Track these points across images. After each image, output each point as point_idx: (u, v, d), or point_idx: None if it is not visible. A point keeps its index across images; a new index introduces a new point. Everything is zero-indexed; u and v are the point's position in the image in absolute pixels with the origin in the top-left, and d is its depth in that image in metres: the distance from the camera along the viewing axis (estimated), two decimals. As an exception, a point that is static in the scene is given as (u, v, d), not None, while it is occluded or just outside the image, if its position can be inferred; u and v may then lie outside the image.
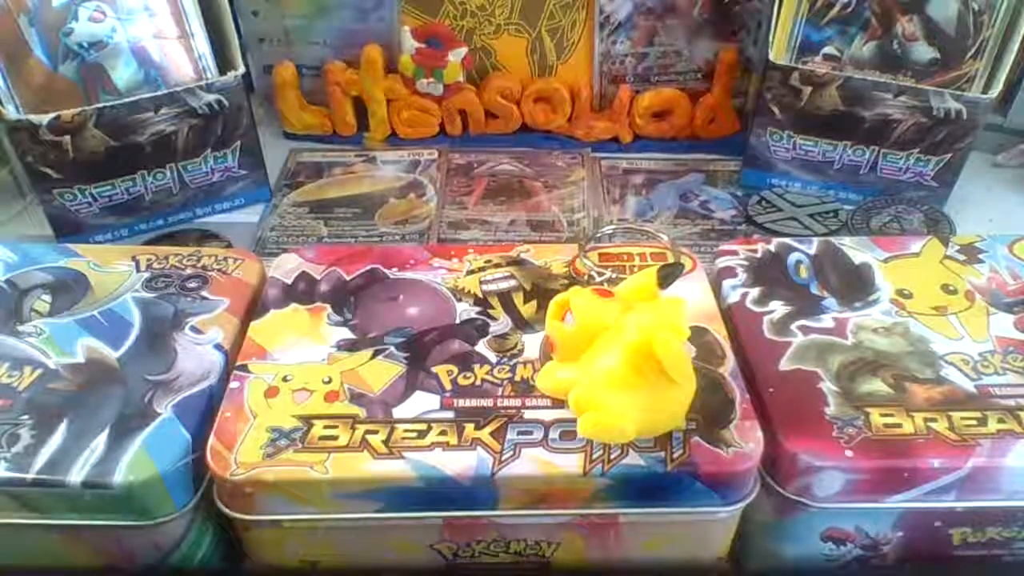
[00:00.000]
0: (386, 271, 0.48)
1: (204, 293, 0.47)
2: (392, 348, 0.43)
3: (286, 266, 0.48)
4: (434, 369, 0.42)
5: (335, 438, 0.38)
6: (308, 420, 0.39)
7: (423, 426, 0.38)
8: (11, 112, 0.60)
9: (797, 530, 0.41)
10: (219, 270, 0.49)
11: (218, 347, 0.43)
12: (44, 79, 0.62)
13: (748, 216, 0.68)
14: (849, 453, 0.38)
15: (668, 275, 0.39)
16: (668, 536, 0.41)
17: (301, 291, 0.47)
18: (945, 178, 0.67)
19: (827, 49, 0.67)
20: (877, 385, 0.41)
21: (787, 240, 0.53)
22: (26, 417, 0.39)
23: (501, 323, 0.44)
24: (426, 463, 0.37)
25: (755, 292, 0.48)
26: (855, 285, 0.49)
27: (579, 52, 0.78)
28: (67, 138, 0.60)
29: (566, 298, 0.39)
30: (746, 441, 0.38)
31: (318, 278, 0.48)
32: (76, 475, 0.36)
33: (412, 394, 0.40)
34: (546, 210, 0.70)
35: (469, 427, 0.38)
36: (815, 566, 0.43)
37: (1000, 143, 0.75)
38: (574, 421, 0.38)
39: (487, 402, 0.40)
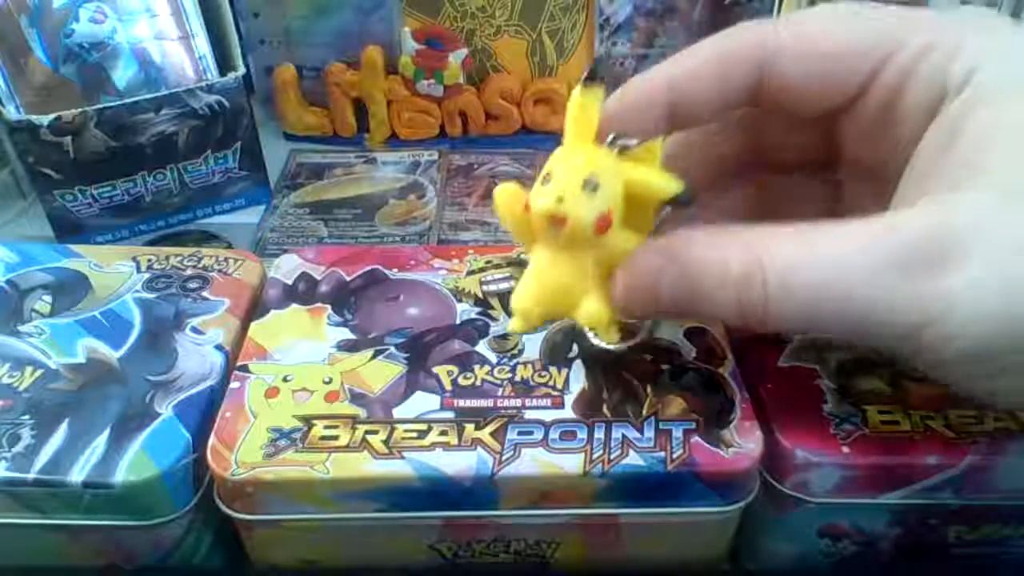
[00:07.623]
0: (386, 272, 0.48)
1: (205, 294, 0.47)
2: (392, 348, 0.43)
3: (286, 267, 0.49)
4: (434, 369, 0.42)
5: (335, 438, 0.38)
6: (308, 420, 0.39)
7: (423, 426, 0.38)
8: (12, 113, 0.60)
9: (793, 526, 0.41)
10: (220, 271, 0.49)
11: (219, 347, 0.44)
12: (45, 80, 0.62)
13: (747, 216, 0.68)
14: (846, 449, 0.38)
15: (593, 71, 0.31)
16: (668, 536, 0.41)
17: (301, 291, 0.47)
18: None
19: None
20: (875, 383, 0.42)
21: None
22: (27, 417, 0.39)
23: (501, 323, 0.45)
24: (426, 463, 0.37)
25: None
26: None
27: (579, 53, 0.78)
28: (68, 139, 0.60)
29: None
30: (746, 441, 0.38)
31: (318, 279, 0.48)
32: (77, 475, 0.37)
33: (412, 394, 0.40)
34: (546, 211, 0.70)
35: (469, 427, 0.38)
36: (811, 563, 0.43)
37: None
38: (574, 422, 0.38)
39: (487, 402, 0.40)
